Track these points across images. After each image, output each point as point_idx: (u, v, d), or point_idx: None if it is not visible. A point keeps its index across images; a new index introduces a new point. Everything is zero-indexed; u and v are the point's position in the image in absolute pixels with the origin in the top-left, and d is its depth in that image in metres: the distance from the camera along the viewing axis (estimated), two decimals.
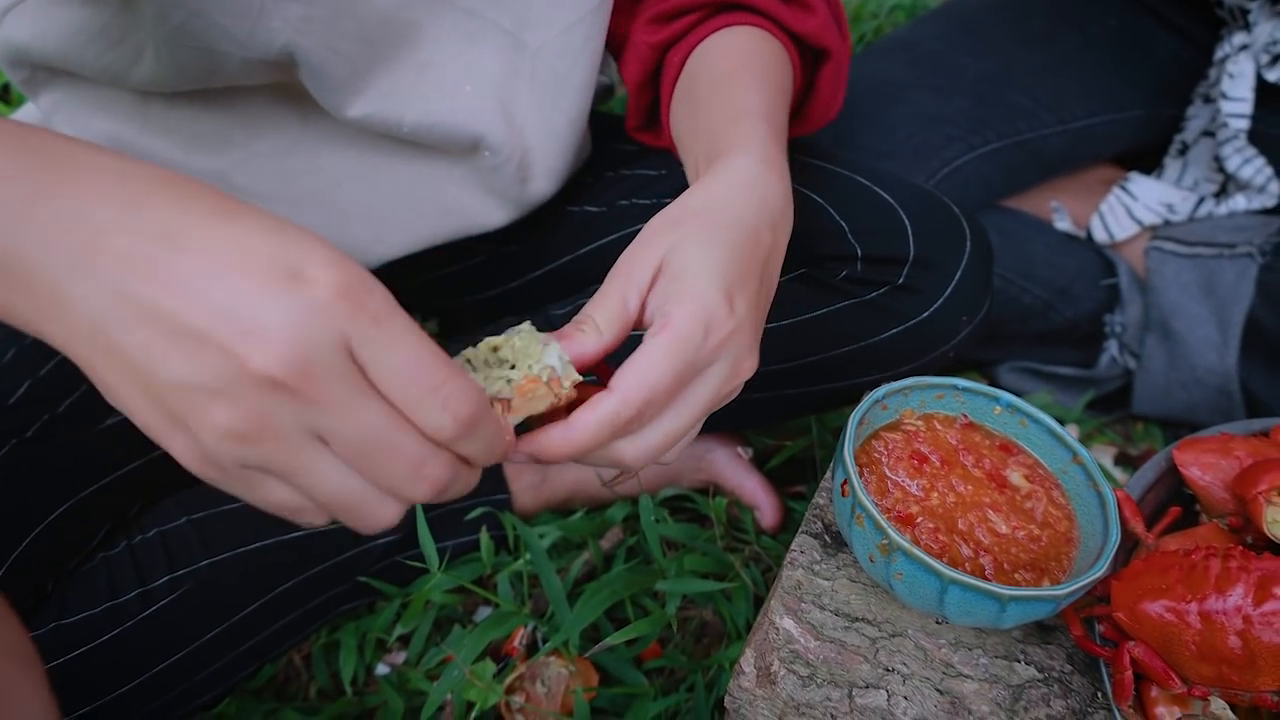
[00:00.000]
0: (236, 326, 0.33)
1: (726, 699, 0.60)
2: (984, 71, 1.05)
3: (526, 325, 0.47)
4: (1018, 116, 1.04)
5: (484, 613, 0.86)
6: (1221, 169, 1.08)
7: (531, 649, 0.81)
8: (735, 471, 0.91)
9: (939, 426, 0.63)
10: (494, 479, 0.88)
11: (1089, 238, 1.10)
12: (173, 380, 0.34)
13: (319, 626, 0.81)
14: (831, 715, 0.57)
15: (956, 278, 0.74)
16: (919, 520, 0.57)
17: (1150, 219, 1.08)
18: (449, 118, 0.72)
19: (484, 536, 0.85)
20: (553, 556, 0.88)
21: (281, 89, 0.72)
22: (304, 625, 0.79)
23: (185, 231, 0.35)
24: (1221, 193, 1.09)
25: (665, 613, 0.79)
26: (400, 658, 0.83)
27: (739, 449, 0.93)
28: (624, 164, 0.88)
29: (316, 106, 0.74)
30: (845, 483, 0.56)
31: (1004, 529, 0.58)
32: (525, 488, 0.90)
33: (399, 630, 0.81)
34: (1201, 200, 1.09)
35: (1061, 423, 1.04)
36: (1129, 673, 0.52)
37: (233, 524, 0.73)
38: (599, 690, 0.76)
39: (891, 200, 0.75)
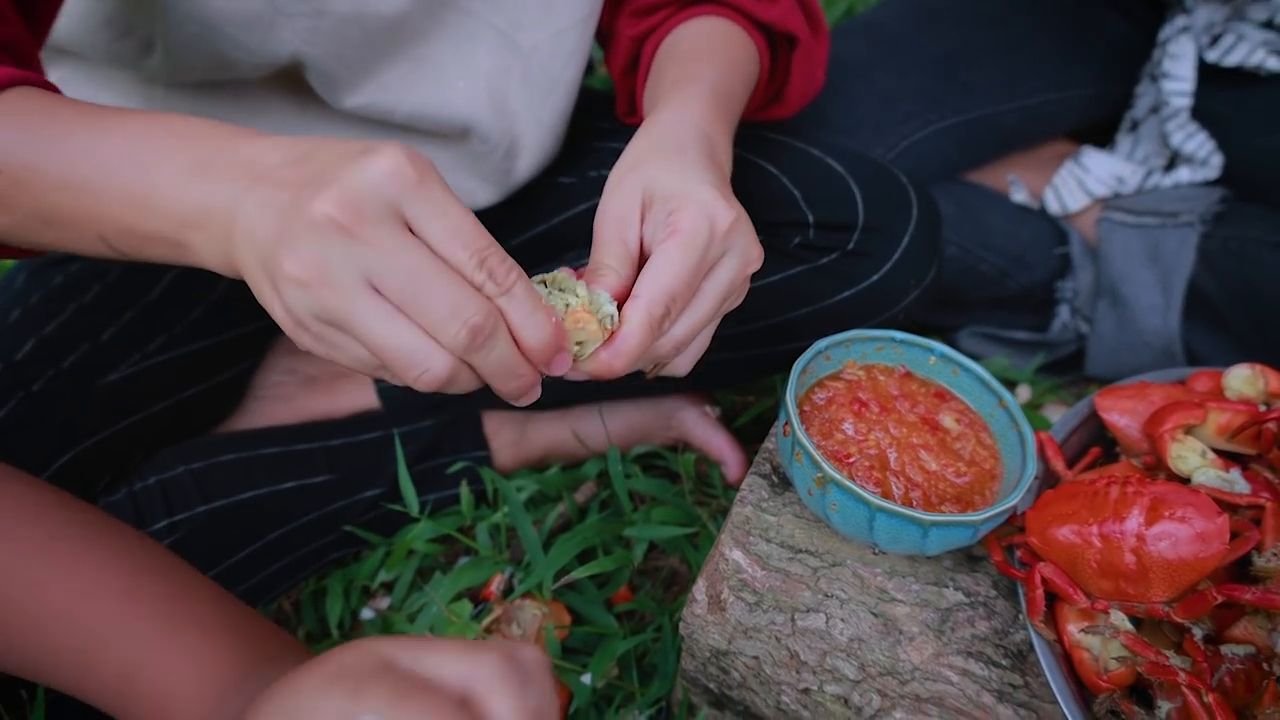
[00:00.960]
0: (312, 183, 0.41)
1: (680, 625, 0.66)
2: (941, 52, 1.09)
3: (562, 270, 0.53)
4: (973, 94, 1.09)
5: (464, 562, 0.91)
6: (1169, 145, 1.13)
7: (508, 595, 0.87)
8: (703, 429, 0.97)
9: (879, 376, 0.68)
10: (473, 436, 0.93)
11: (1043, 209, 1.15)
12: (263, 239, 0.42)
13: (308, 574, 0.86)
14: (776, 637, 0.62)
15: (904, 243, 0.79)
16: (854, 459, 0.62)
17: (1101, 191, 1.13)
18: (441, 110, 0.77)
19: (464, 490, 0.91)
20: (529, 509, 0.93)
21: (281, 79, 0.76)
22: (294, 572, 0.84)
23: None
24: (1170, 166, 1.15)
25: (631, 553, 0.84)
26: (384, 603, 0.88)
27: (706, 408, 0.98)
28: (595, 137, 0.92)
29: (313, 95, 0.79)
30: (787, 424, 0.61)
31: (933, 466, 0.63)
32: (504, 445, 0.95)
33: (383, 577, 0.86)
34: (1150, 173, 1.14)
35: (1014, 383, 1.10)
36: (1039, 591, 0.57)
37: (229, 474, 0.78)
38: (571, 629, 0.82)
39: (841, 170, 0.80)
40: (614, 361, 0.52)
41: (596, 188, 0.90)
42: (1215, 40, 1.09)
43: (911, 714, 0.60)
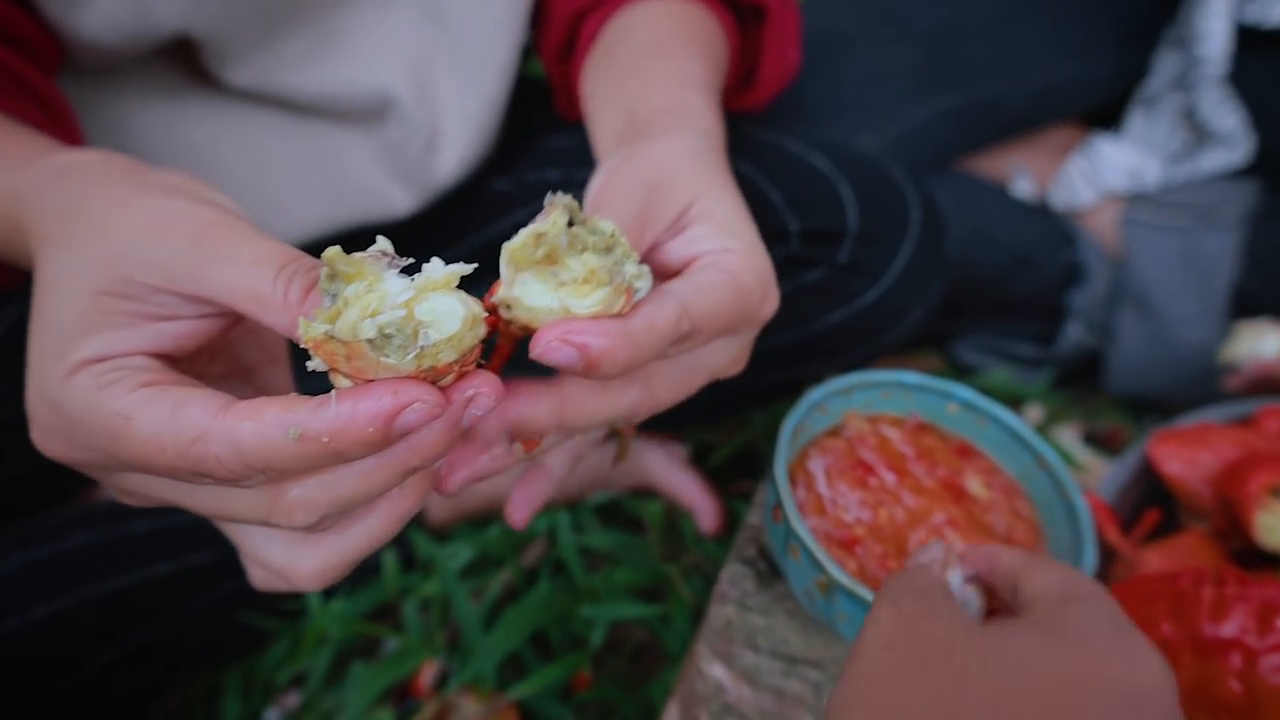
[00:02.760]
0: None
1: None
2: (935, 20, 0.96)
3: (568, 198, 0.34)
4: (973, 71, 0.95)
5: (392, 645, 0.77)
6: (1195, 122, 1.00)
7: (443, 687, 0.72)
8: (670, 472, 0.82)
9: (886, 430, 0.55)
10: None
11: (1045, 205, 1.02)
12: None
13: (200, 671, 0.71)
14: None
15: (904, 253, 0.65)
16: (864, 544, 0.48)
17: (1115, 186, 1.01)
18: (350, 85, 0.65)
19: (388, 558, 0.76)
20: (468, 576, 0.79)
21: (157, 57, 0.62)
22: (175, 674, 0.69)
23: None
24: (1192, 151, 1.02)
25: (591, 644, 0.70)
26: (293, 700, 0.73)
27: (673, 447, 0.84)
28: (534, 132, 0.78)
29: (190, 86, 0.65)
30: (777, 507, 0.47)
31: (967, 528, 0.49)
32: (438, 499, 0.81)
33: (289, 670, 0.72)
34: (1171, 161, 1.01)
35: (1022, 400, 0.97)
36: None
37: (82, 562, 0.63)
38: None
39: (827, 168, 0.66)
40: (617, 346, 0.34)
41: (536, 193, 0.76)
42: None
43: None
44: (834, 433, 0.54)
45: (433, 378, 0.30)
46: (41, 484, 0.68)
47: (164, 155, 0.67)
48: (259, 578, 0.39)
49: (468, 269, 0.31)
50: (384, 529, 0.36)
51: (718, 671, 0.50)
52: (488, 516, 0.83)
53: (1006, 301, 1.00)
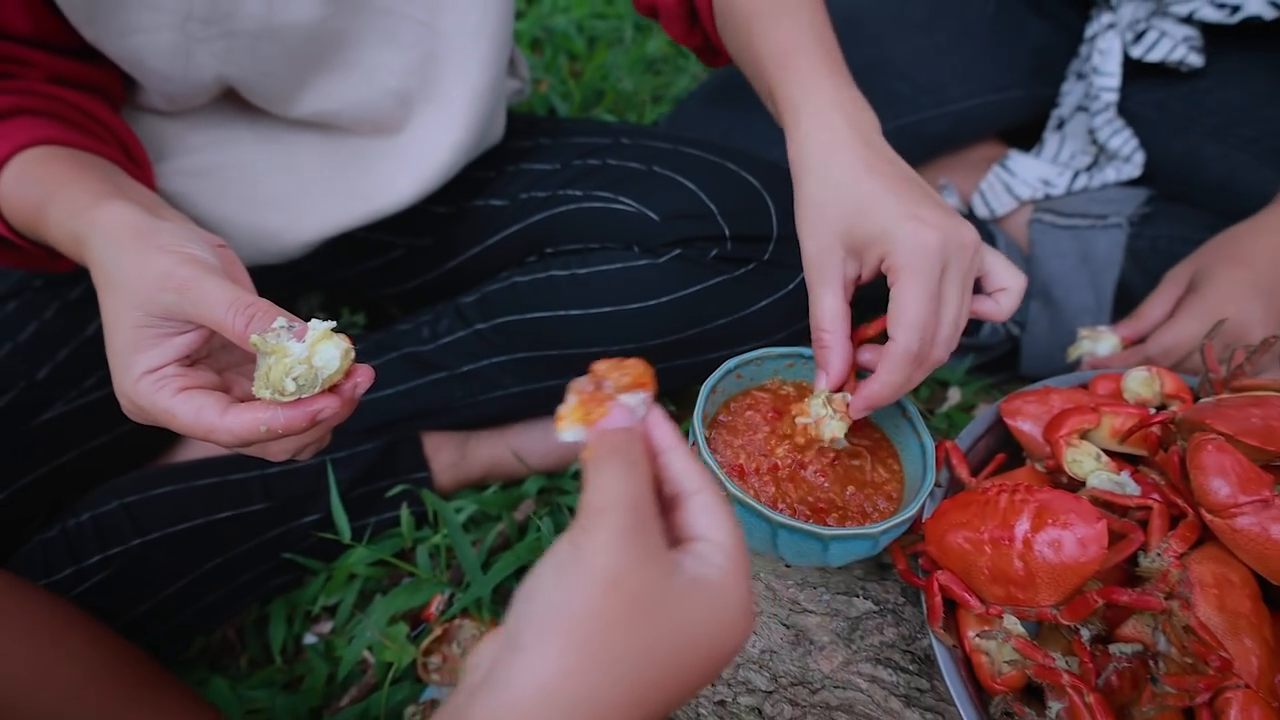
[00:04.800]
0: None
1: None
2: (864, 61, 1.11)
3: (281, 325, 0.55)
4: (898, 102, 1.11)
5: (405, 583, 0.93)
6: (1095, 142, 1.15)
7: (448, 615, 0.88)
8: None
9: (785, 390, 0.70)
10: (413, 458, 0.95)
11: (970, 212, 1.17)
12: None
13: (251, 601, 0.87)
14: None
15: None
16: (751, 476, 0.64)
17: (1028, 194, 1.16)
18: (375, 110, 0.82)
19: (404, 513, 0.92)
20: (469, 529, 0.94)
21: (232, 98, 0.81)
22: (234, 601, 0.85)
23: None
24: (1094, 165, 1.17)
25: None
26: (327, 627, 0.89)
27: None
28: (522, 159, 0.94)
29: (239, 111, 0.82)
30: (694, 444, 0.63)
31: (836, 477, 0.65)
32: (444, 466, 0.97)
33: (324, 601, 0.88)
34: (1076, 175, 1.16)
35: (946, 386, 1.13)
36: (938, 598, 0.59)
37: (164, 506, 0.79)
38: None
39: (755, 182, 0.82)
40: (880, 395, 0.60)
41: (528, 209, 0.93)
42: (1139, 37, 1.12)
43: (824, 718, 0.62)
44: (746, 394, 0.70)
45: (332, 385, 0.52)
46: (132, 447, 0.85)
47: (219, 172, 0.83)
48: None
49: (332, 323, 0.52)
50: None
51: None
52: (485, 483, 0.99)
53: None
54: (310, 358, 0.51)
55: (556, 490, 0.98)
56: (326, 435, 0.58)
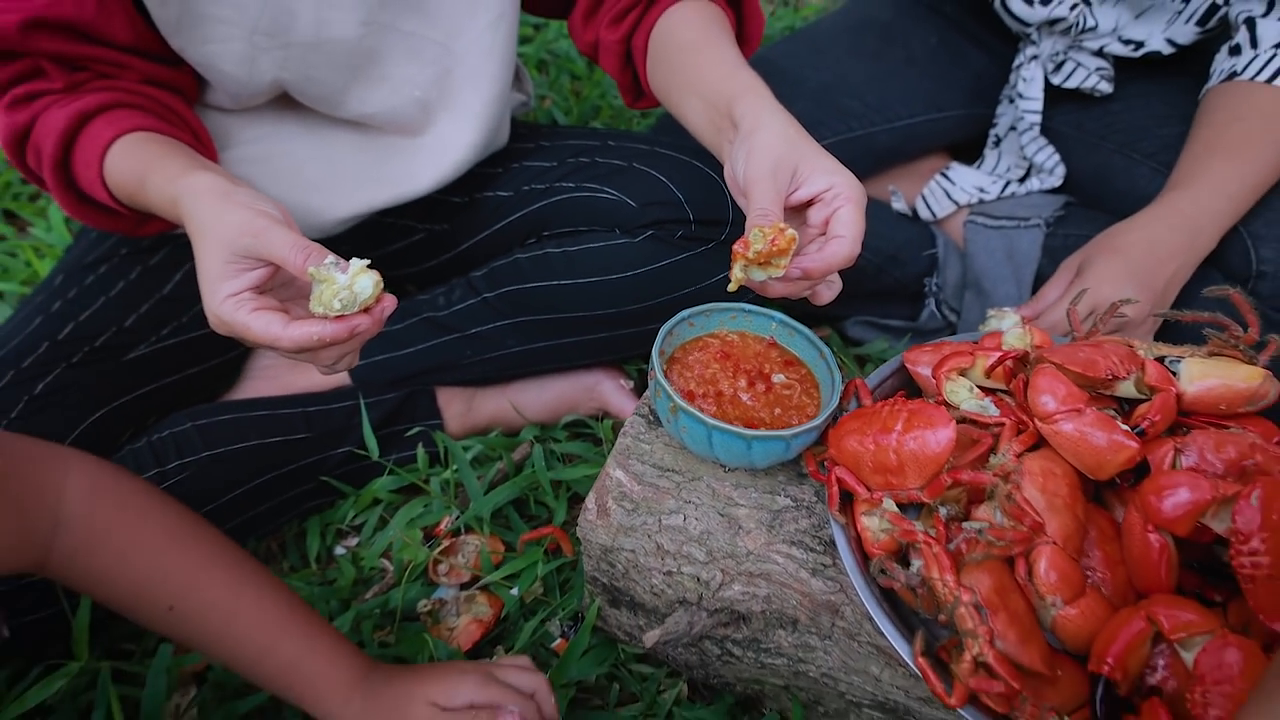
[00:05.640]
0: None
1: (577, 530, 0.85)
2: (822, 82, 1.30)
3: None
4: (849, 117, 1.29)
5: (421, 499, 1.10)
6: (1025, 157, 1.34)
7: (455, 535, 1.06)
8: (619, 398, 1.16)
9: (751, 342, 0.88)
10: (428, 408, 1.13)
11: (915, 215, 1.35)
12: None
13: (291, 518, 1.05)
14: (647, 534, 0.82)
15: None
16: (704, 397, 0.81)
17: (965, 199, 1.34)
18: (403, 115, 1.01)
19: (420, 451, 1.10)
20: (474, 467, 1.12)
21: (286, 101, 1.00)
22: (279, 514, 1.03)
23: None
24: (1026, 177, 1.35)
25: (557, 504, 1.03)
26: (354, 541, 1.07)
27: (621, 380, 1.17)
28: (525, 158, 1.13)
29: (289, 110, 1.00)
30: (652, 371, 0.80)
31: (766, 403, 0.82)
32: (454, 415, 1.14)
33: (352, 520, 1.05)
34: (1007, 184, 1.34)
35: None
36: (836, 488, 0.76)
37: (226, 429, 0.97)
38: (504, 555, 1.01)
39: (716, 177, 1.00)
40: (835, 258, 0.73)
41: (529, 199, 1.11)
42: (1059, 67, 1.30)
43: (746, 586, 0.79)
44: (697, 340, 0.87)
45: (366, 308, 0.70)
46: (199, 384, 1.03)
47: (270, 160, 1.02)
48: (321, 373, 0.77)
49: (368, 260, 0.70)
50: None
51: (619, 474, 0.83)
52: (488, 431, 1.17)
53: (883, 288, 1.33)
54: (352, 285, 0.69)
55: (550, 439, 1.16)
56: (357, 351, 0.75)
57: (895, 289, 1.33)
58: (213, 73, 0.92)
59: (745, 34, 1.01)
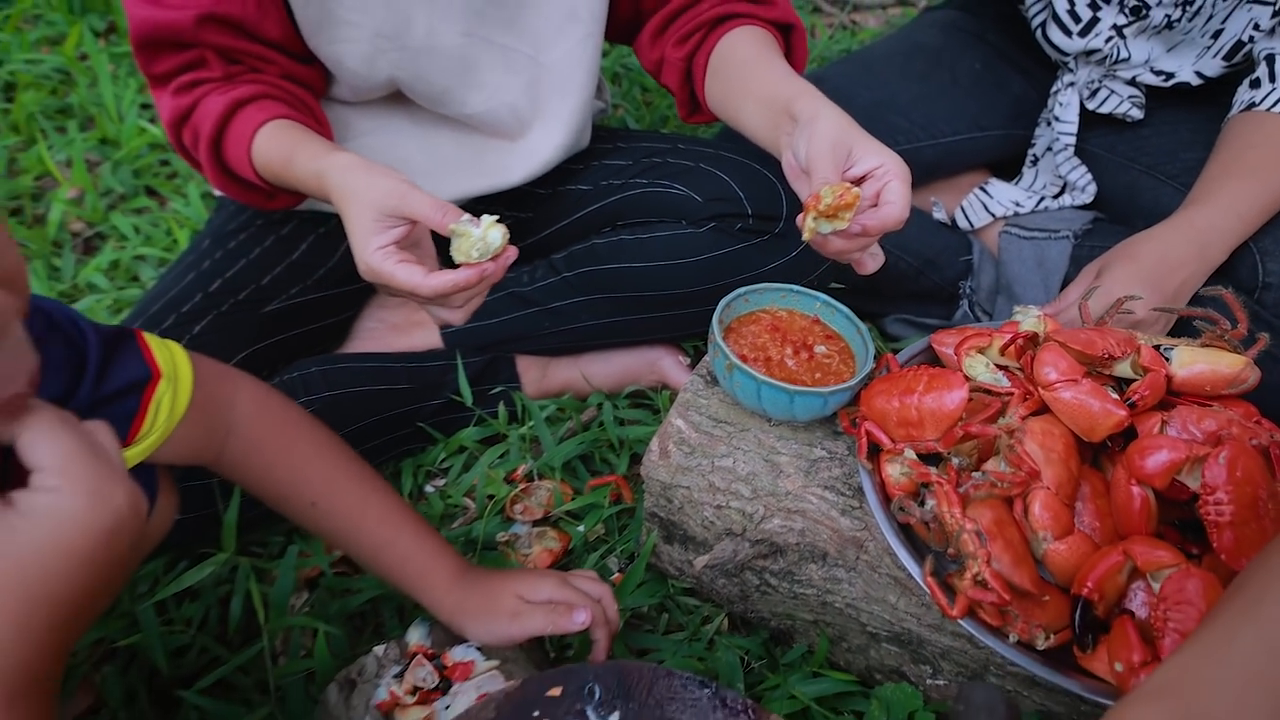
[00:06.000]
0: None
1: (641, 468, 0.99)
2: (873, 100, 1.44)
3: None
4: (896, 132, 1.42)
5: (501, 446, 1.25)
6: (1059, 175, 1.46)
7: (530, 481, 1.20)
8: (677, 372, 1.30)
9: (797, 319, 1.02)
10: (509, 372, 1.28)
11: (954, 224, 1.48)
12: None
13: (390, 458, 1.21)
14: (701, 474, 0.96)
15: None
16: (754, 361, 0.95)
17: (1001, 212, 1.46)
18: (498, 118, 1.16)
19: (502, 408, 1.25)
20: (548, 425, 1.27)
21: (398, 98, 1.16)
22: (377, 454, 1.18)
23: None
24: (1061, 194, 1.47)
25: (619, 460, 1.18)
26: (441, 481, 1.22)
27: (680, 356, 1.32)
28: (604, 157, 1.28)
29: (399, 107, 1.16)
30: (711, 338, 0.94)
31: (808, 369, 0.96)
32: (531, 380, 1.29)
33: (440, 462, 1.21)
34: (1041, 199, 1.46)
35: None
36: (865, 439, 0.90)
37: (343, 375, 1.14)
38: (572, 498, 1.16)
39: (772, 177, 1.14)
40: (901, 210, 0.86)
41: (607, 193, 1.27)
42: (1094, 93, 1.42)
43: (785, 520, 0.92)
44: (751, 314, 1.01)
45: (494, 256, 0.84)
46: (321, 337, 1.20)
47: (380, 150, 1.18)
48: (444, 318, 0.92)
49: (494, 217, 0.84)
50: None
51: (679, 422, 0.97)
52: (561, 394, 1.31)
53: (921, 289, 1.45)
54: (484, 237, 0.84)
55: (614, 405, 1.30)
56: (483, 295, 0.90)
57: (933, 291, 1.45)
58: (340, 69, 1.09)
59: (792, 60, 1.15)
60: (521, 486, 1.17)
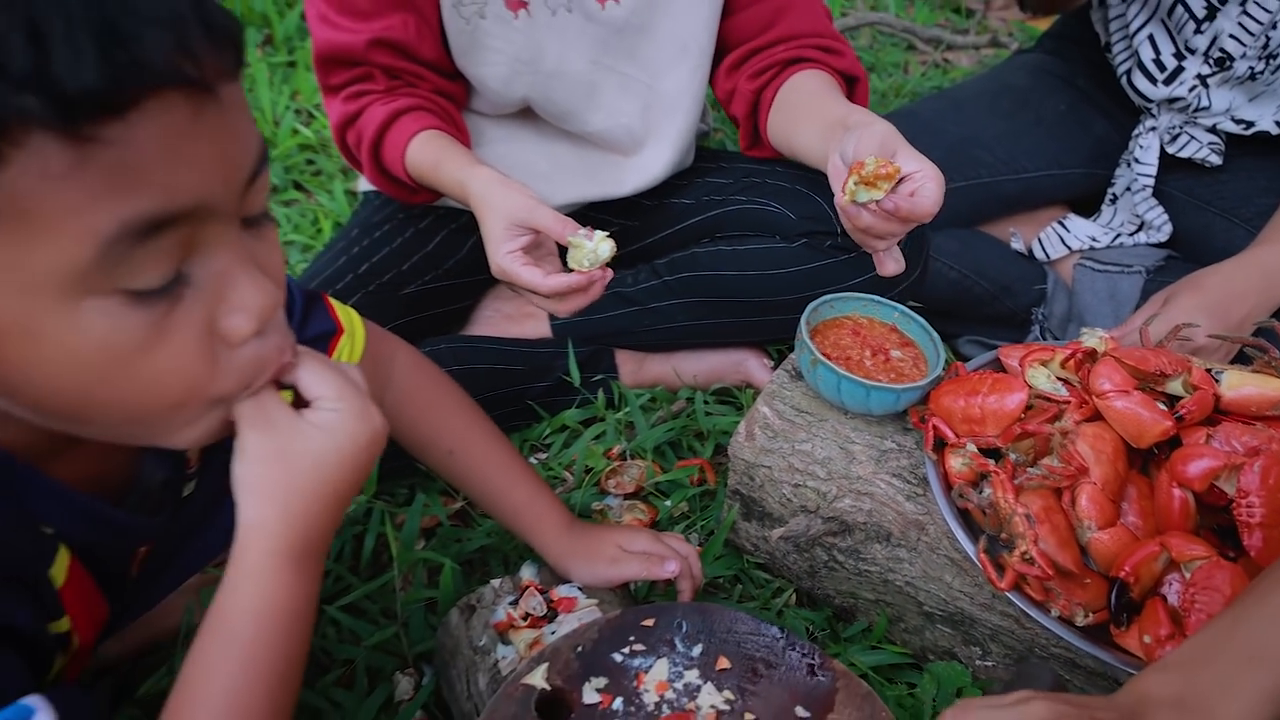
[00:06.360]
0: None
1: (729, 447, 1.11)
2: (960, 135, 1.54)
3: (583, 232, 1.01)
4: (980, 166, 1.53)
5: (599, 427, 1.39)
6: (1137, 214, 1.54)
7: (623, 459, 1.34)
8: (761, 373, 1.42)
9: (876, 325, 1.13)
10: (609, 363, 1.42)
11: (1031, 254, 1.57)
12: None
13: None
14: (782, 456, 1.08)
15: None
16: (835, 360, 1.07)
17: (1077, 245, 1.55)
18: (616, 136, 1.31)
19: (600, 395, 1.39)
20: (641, 412, 1.40)
21: (528, 114, 1.32)
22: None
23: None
24: (1137, 231, 1.55)
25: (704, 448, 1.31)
26: (544, 455, 1.36)
27: (764, 360, 1.44)
28: (707, 175, 1.42)
29: (528, 121, 1.32)
30: (799, 334, 1.07)
31: (884, 370, 1.07)
32: (628, 372, 1.43)
33: (544, 438, 1.35)
34: (1117, 236, 1.55)
35: None
36: (932, 433, 1.00)
37: (467, 352, 1.29)
38: (661, 478, 1.28)
39: None
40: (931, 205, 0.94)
41: (708, 207, 1.41)
42: (1174, 138, 1.51)
43: (855, 501, 1.04)
44: (834, 319, 1.13)
45: (602, 266, 0.98)
46: (448, 320, 1.36)
47: (507, 155, 1.33)
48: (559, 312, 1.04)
49: (605, 233, 0.98)
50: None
51: (765, 409, 1.10)
52: (654, 386, 1.45)
53: (995, 314, 1.55)
54: (596, 249, 0.99)
55: (703, 399, 1.43)
56: (590, 297, 1.02)
57: (1006, 316, 1.54)
58: (482, 87, 1.25)
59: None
60: (616, 464, 1.31)
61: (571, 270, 0.99)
